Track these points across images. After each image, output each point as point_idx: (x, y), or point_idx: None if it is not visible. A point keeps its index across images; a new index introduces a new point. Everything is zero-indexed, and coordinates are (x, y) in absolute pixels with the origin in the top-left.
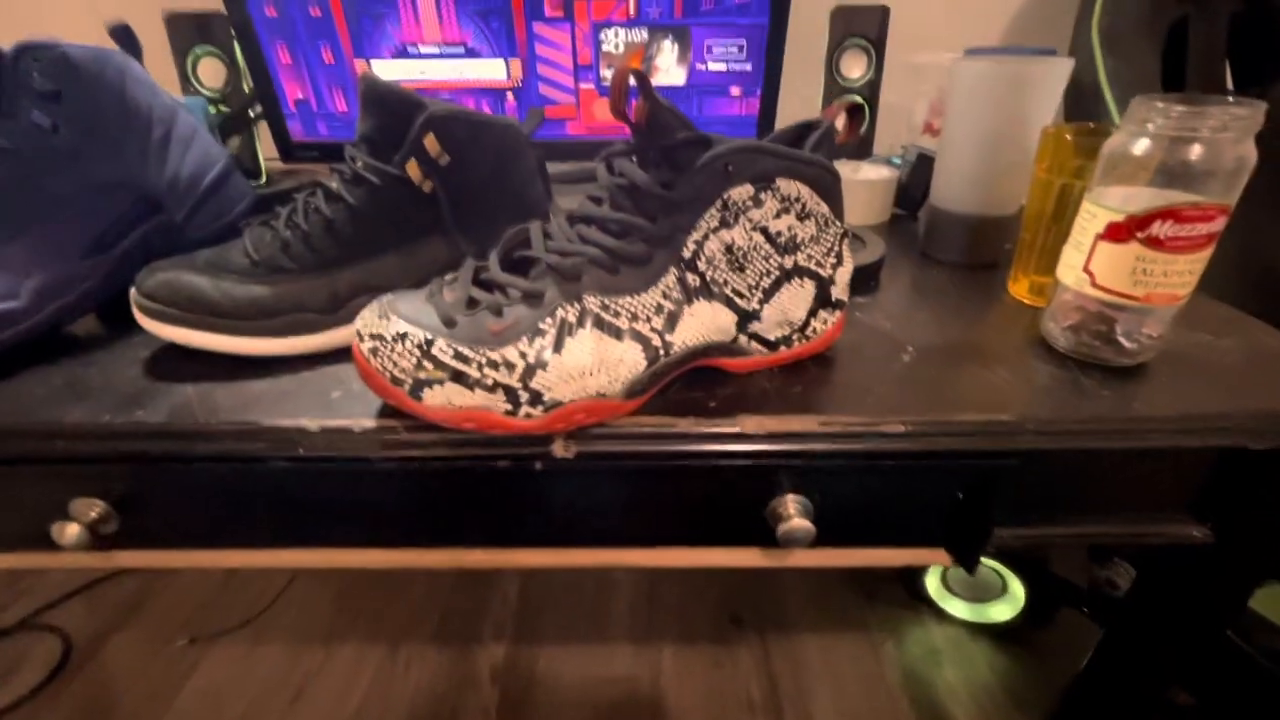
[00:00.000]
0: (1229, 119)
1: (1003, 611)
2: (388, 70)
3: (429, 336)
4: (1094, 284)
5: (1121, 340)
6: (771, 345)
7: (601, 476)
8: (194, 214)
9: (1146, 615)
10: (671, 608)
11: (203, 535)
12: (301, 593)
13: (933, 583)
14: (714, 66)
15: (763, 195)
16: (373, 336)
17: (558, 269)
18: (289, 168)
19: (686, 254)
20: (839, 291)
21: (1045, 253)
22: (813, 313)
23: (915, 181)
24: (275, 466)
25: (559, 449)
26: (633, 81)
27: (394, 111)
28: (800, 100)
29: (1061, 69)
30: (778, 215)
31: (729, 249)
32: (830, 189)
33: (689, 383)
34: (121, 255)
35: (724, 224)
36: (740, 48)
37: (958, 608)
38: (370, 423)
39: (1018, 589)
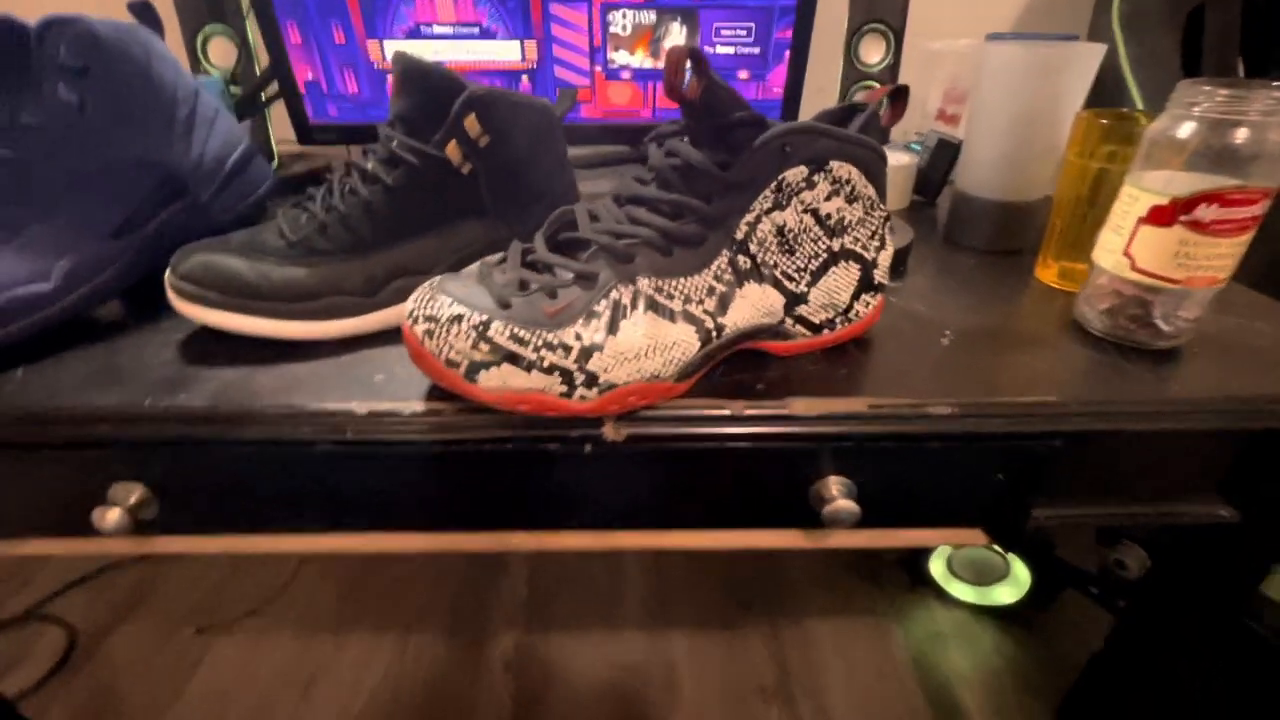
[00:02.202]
0: (1275, 102)
1: (1006, 594)
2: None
3: (485, 318)
4: (1134, 267)
5: (1159, 323)
6: (815, 328)
7: (648, 459)
8: (219, 195)
9: (1166, 597)
10: (681, 595)
11: (243, 519)
12: (307, 583)
13: (937, 566)
14: (722, 49)
15: (816, 177)
16: (426, 319)
17: (611, 250)
18: (300, 151)
19: (739, 235)
20: (880, 275)
21: (1077, 238)
22: (856, 296)
23: (934, 167)
24: (321, 450)
25: (610, 431)
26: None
27: (433, 91)
28: (816, 85)
29: (1093, 54)
30: (829, 197)
31: (780, 231)
32: (877, 172)
33: (734, 366)
34: (149, 237)
35: (777, 205)
36: (748, 30)
37: (962, 591)
38: (418, 405)
39: (1021, 572)
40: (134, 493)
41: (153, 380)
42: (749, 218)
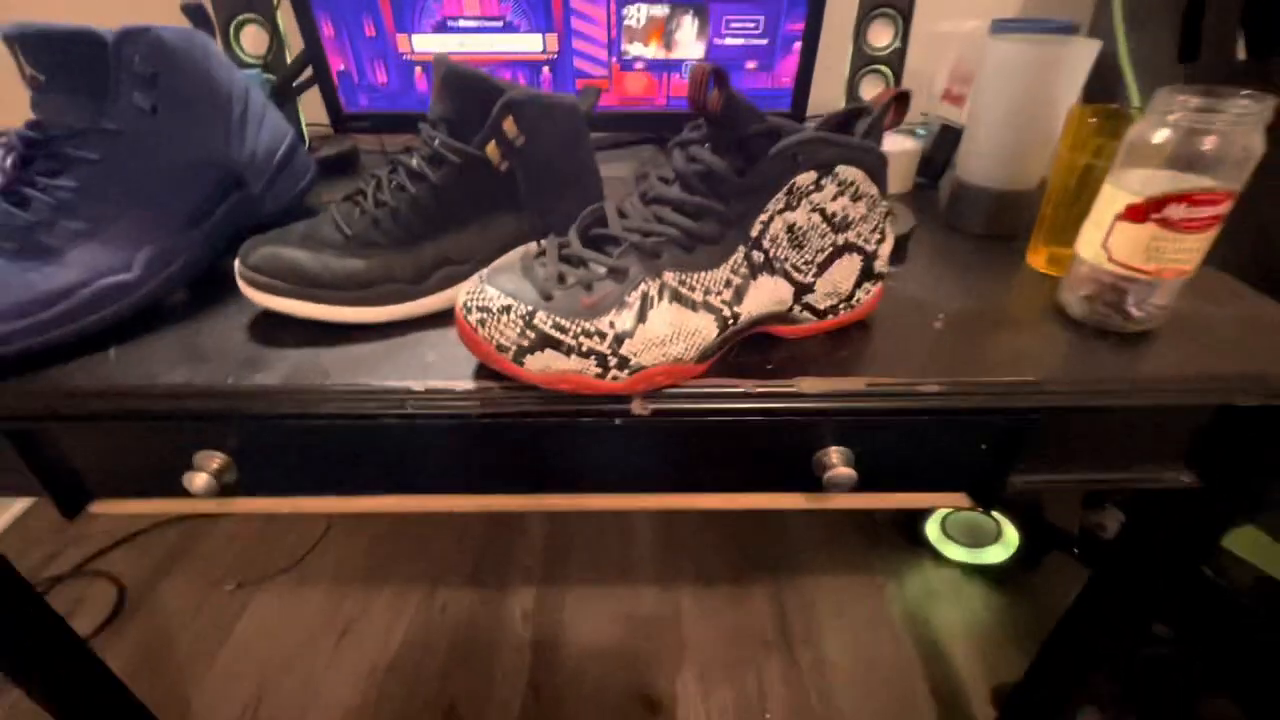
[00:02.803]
0: (1242, 113)
1: (997, 554)
2: (428, 43)
3: (531, 309)
4: (1111, 259)
5: (1132, 309)
6: (820, 314)
7: (669, 431)
8: (269, 186)
9: (1136, 553)
10: (689, 552)
11: (309, 483)
12: (338, 540)
13: (932, 529)
14: (731, 41)
15: (824, 180)
16: (480, 309)
17: (640, 247)
18: (325, 134)
19: (754, 233)
20: (880, 265)
21: (1065, 226)
22: (858, 284)
23: (938, 152)
24: (383, 423)
25: (637, 407)
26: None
27: (473, 95)
28: (825, 66)
29: (1088, 51)
30: (835, 198)
31: (791, 228)
32: (879, 172)
33: (747, 347)
34: (211, 228)
35: (788, 206)
36: (757, 23)
37: (955, 552)
38: (470, 384)
39: (1011, 534)
40: (215, 459)
41: (233, 360)
42: (763, 217)
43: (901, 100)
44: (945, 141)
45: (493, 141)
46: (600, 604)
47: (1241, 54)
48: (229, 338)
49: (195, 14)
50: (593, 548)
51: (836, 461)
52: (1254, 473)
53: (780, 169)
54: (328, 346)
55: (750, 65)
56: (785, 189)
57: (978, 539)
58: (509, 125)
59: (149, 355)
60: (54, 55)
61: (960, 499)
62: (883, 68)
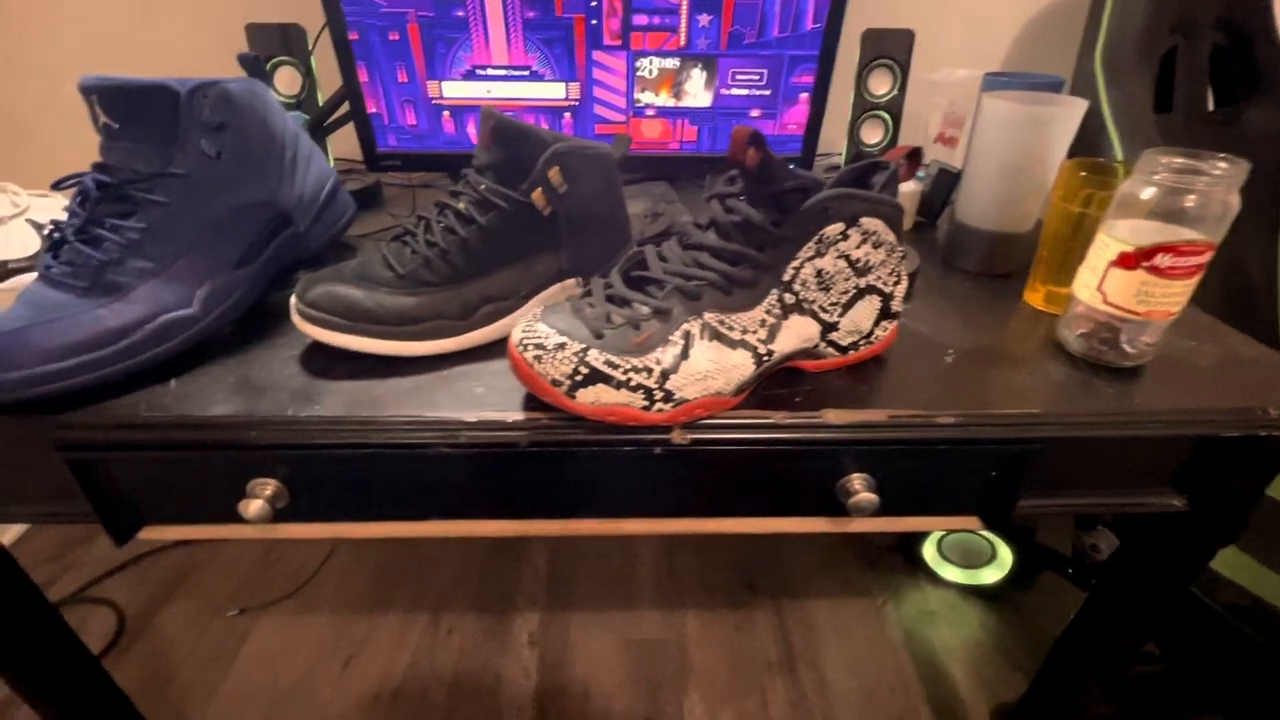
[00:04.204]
0: (1219, 174)
1: (992, 575)
2: (457, 89)
3: (584, 346)
4: (1105, 301)
5: (1125, 346)
6: (843, 350)
7: (700, 458)
8: (314, 225)
9: (1130, 573)
10: (691, 577)
11: (354, 508)
12: (341, 566)
13: (929, 551)
14: (737, 91)
15: (850, 230)
16: (535, 346)
17: (683, 290)
18: (349, 169)
19: (786, 278)
20: (896, 305)
21: (1060, 268)
22: (876, 322)
23: (936, 193)
24: (435, 452)
25: (677, 437)
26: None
27: (521, 145)
28: (828, 112)
29: (1077, 110)
30: (859, 245)
31: (819, 273)
32: (897, 222)
33: (775, 381)
34: (263, 265)
35: (818, 254)
36: (761, 76)
37: (951, 573)
38: (519, 415)
39: (1006, 555)
40: (269, 486)
41: (290, 392)
42: (795, 264)
43: (914, 157)
44: (943, 184)
45: (539, 189)
46: (604, 629)
47: (1210, 105)
48: (281, 370)
49: (252, 64)
50: (595, 573)
51: (859, 488)
52: (1238, 496)
53: (812, 220)
54: (377, 379)
55: (754, 113)
56: (815, 238)
57: (973, 560)
58: (554, 174)
59: (207, 387)
60: (128, 105)
61: (972, 521)
62: (882, 113)
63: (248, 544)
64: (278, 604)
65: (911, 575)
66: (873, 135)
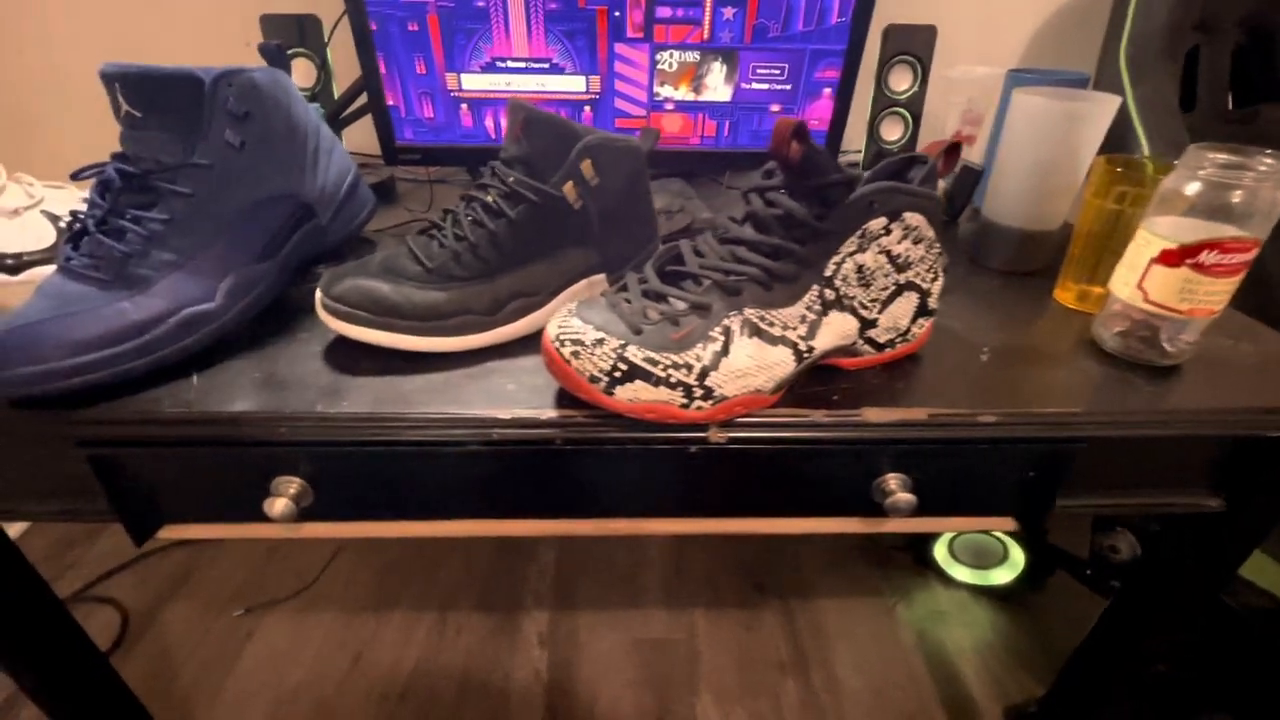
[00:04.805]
0: (1266, 170)
1: (1003, 576)
2: (475, 81)
3: (623, 342)
4: (1146, 299)
5: (1165, 345)
6: (880, 347)
7: (734, 458)
8: (335, 218)
9: (1158, 576)
10: (700, 577)
11: (379, 507)
12: (346, 566)
13: (940, 551)
14: (757, 86)
15: (892, 225)
16: (573, 342)
17: (722, 285)
18: (363, 163)
19: (828, 273)
20: (933, 301)
21: (1093, 266)
22: (914, 319)
23: (958, 191)
24: (467, 450)
25: (714, 435)
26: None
27: (552, 138)
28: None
29: (1109, 106)
30: (900, 241)
31: (860, 269)
32: (936, 217)
33: (811, 378)
34: (285, 258)
35: (859, 249)
36: (781, 70)
37: (962, 573)
38: (553, 412)
39: (1017, 555)
40: (293, 484)
41: (317, 388)
42: (836, 259)
43: (952, 151)
44: (965, 182)
45: (570, 181)
46: (613, 628)
47: (1229, 106)
48: (305, 365)
49: (274, 54)
50: (602, 572)
51: (895, 488)
52: (1275, 497)
53: (856, 214)
54: (404, 375)
55: (774, 108)
56: (859, 233)
57: (984, 561)
58: (586, 167)
59: (230, 382)
60: (151, 93)
61: (1007, 523)
62: (902, 110)
63: (252, 541)
64: (283, 602)
65: (921, 575)
66: (892, 132)
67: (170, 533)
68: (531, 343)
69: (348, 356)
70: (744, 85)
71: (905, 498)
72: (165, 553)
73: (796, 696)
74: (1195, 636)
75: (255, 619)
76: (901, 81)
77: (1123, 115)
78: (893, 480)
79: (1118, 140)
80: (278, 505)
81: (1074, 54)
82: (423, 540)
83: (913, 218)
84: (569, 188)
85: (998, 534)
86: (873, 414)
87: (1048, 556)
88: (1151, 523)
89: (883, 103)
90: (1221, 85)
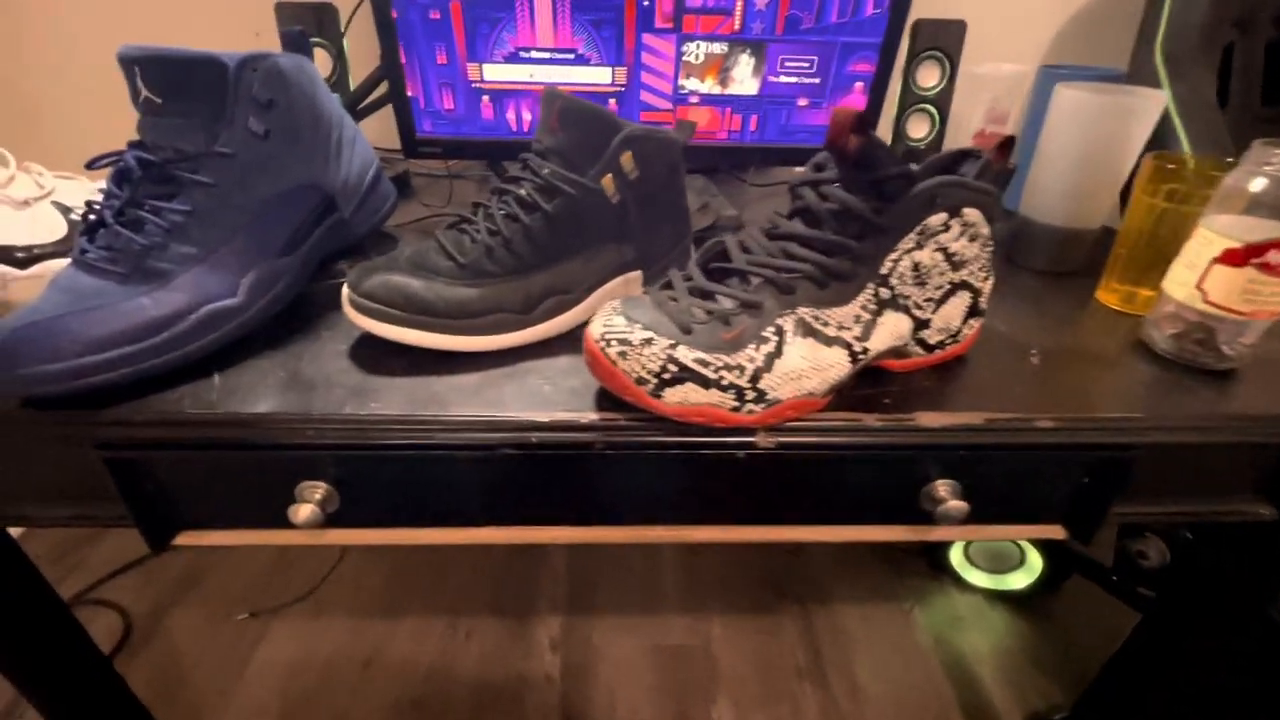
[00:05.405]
0: None
1: (1020, 580)
2: (498, 72)
3: (673, 343)
4: (1206, 300)
5: (1223, 347)
6: (930, 348)
7: (782, 463)
8: (357, 211)
9: (1196, 586)
10: (715, 582)
11: (407, 513)
12: (354, 570)
13: (956, 555)
14: (785, 79)
15: (951, 221)
16: (620, 341)
17: (774, 283)
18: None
19: (884, 271)
20: (984, 301)
21: (1141, 266)
22: (965, 320)
23: None
24: (501, 454)
25: (762, 440)
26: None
27: (589, 129)
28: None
29: (1155, 102)
30: (958, 238)
31: (916, 267)
32: (993, 213)
33: (858, 381)
34: (307, 252)
35: (918, 245)
36: (811, 63)
37: (979, 578)
38: (594, 415)
39: (1035, 559)
40: (319, 490)
41: (344, 389)
42: (893, 256)
43: (1005, 147)
44: (1000, 179)
45: (609, 174)
46: (628, 634)
47: (1259, 102)
48: (330, 364)
49: (297, 40)
50: (615, 577)
51: (945, 495)
52: None
53: (917, 210)
54: (434, 375)
55: (802, 102)
56: (918, 229)
57: (1001, 565)
58: (626, 159)
59: (254, 382)
60: (173, 78)
61: (1055, 530)
62: (929, 107)
63: (259, 545)
64: (290, 607)
65: (937, 580)
66: (919, 129)
67: (188, 539)
68: (565, 342)
69: (373, 355)
70: (771, 78)
71: (957, 505)
72: (169, 555)
73: (816, 703)
74: (1239, 644)
75: (263, 624)
76: (929, 77)
77: (1164, 115)
78: (942, 487)
79: (1158, 138)
80: (303, 511)
81: (1099, 51)
82: (430, 544)
83: (971, 213)
84: (608, 180)
85: (1014, 541)
86: (927, 418)
87: (1065, 561)
88: (1182, 529)
89: (910, 99)
90: (1255, 82)
